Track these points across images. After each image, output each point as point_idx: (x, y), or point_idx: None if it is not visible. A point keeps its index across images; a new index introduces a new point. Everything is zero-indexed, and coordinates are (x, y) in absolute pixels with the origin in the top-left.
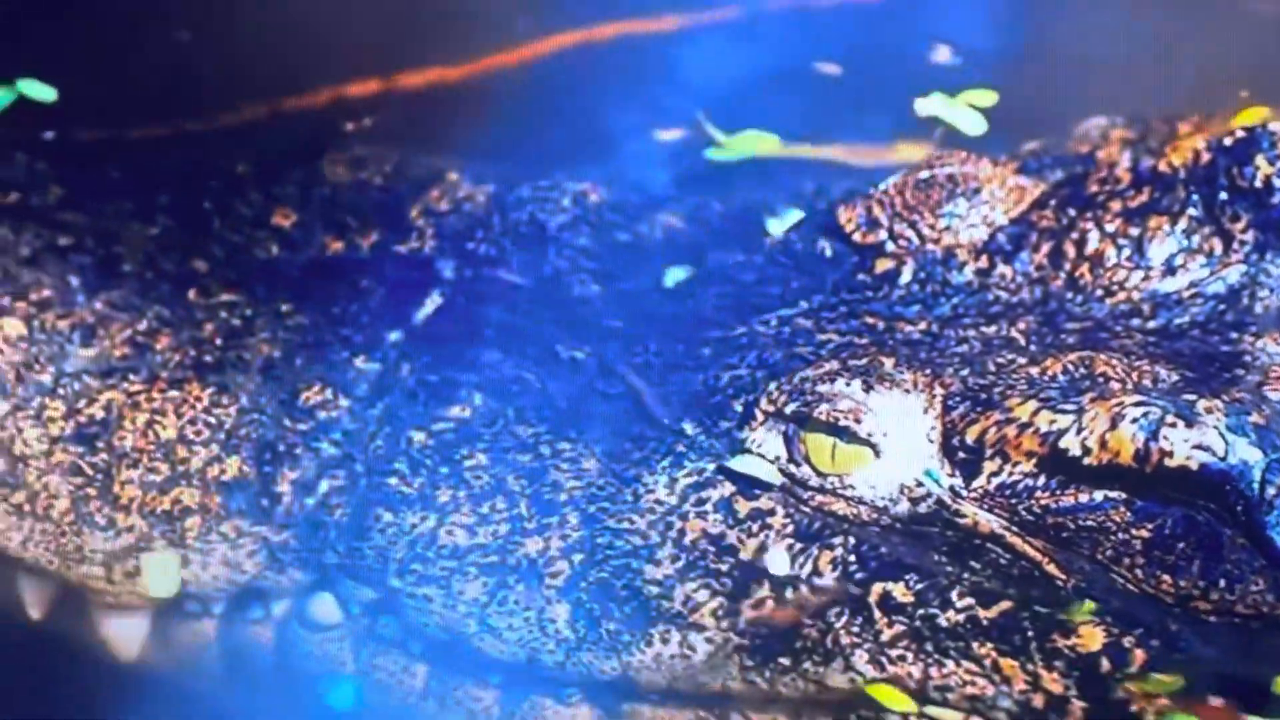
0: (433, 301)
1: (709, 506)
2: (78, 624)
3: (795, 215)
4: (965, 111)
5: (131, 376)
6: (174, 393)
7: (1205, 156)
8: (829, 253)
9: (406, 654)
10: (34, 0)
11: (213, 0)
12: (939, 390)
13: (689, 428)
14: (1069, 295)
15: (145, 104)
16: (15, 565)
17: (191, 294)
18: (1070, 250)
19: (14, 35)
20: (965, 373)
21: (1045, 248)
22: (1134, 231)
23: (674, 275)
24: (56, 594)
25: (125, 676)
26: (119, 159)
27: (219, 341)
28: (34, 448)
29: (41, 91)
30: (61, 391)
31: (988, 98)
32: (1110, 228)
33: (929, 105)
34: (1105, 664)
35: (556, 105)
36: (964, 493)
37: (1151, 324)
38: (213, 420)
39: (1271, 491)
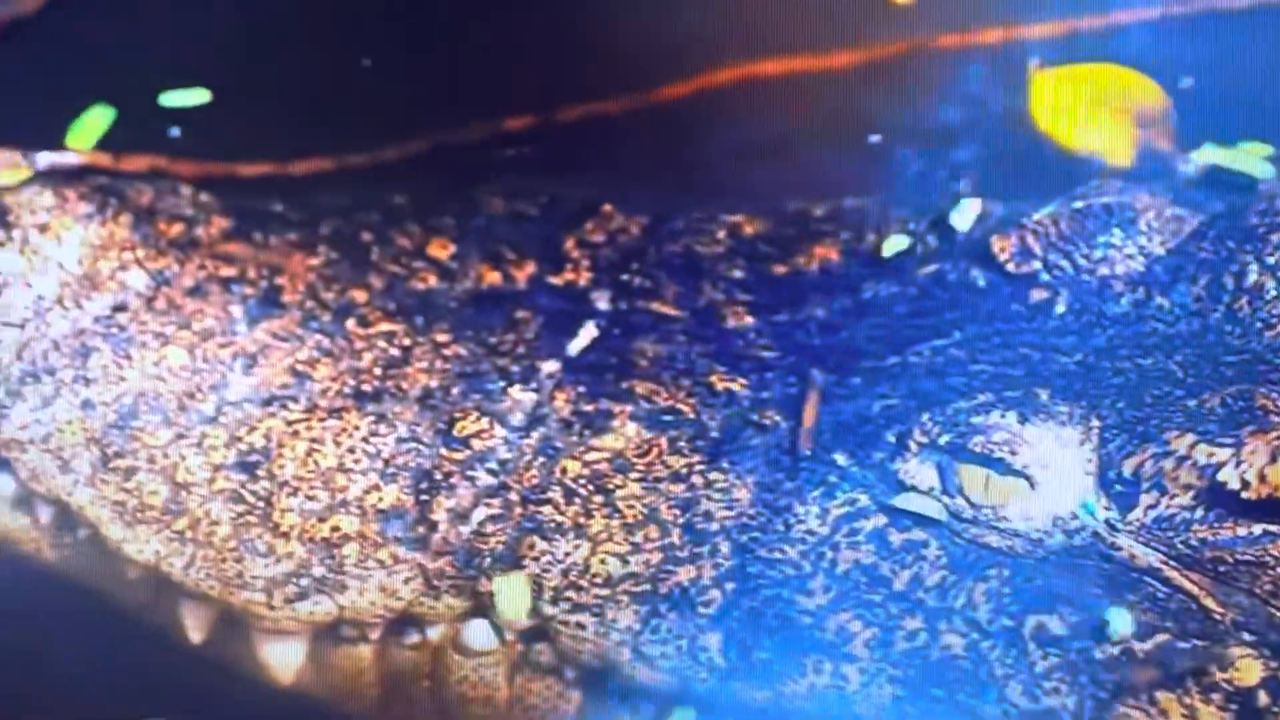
0: (588, 332)
1: (861, 537)
2: (237, 648)
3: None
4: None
5: (291, 405)
6: (333, 421)
7: None
8: (982, 283)
9: (560, 681)
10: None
11: (362, 40)
12: (1095, 422)
13: (841, 458)
14: (1227, 328)
15: (309, 138)
16: (177, 590)
17: (350, 324)
18: (1229, 282)
19: (178, 60)
20: (1121, 405)
21: (1203, 279)
22: None
23: (829, 306)
24: (217, 618)
25: (282, 701)
26: (281, 191)
27: (377, 371)
28: (196, 475)
29: (184, 98)
30: (223, 420)
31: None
32: (1270, 260)
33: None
34: (1264, 698)
35: (716, 139)
36: (1120, 525)
37: None
38: (371, 449)
39: None
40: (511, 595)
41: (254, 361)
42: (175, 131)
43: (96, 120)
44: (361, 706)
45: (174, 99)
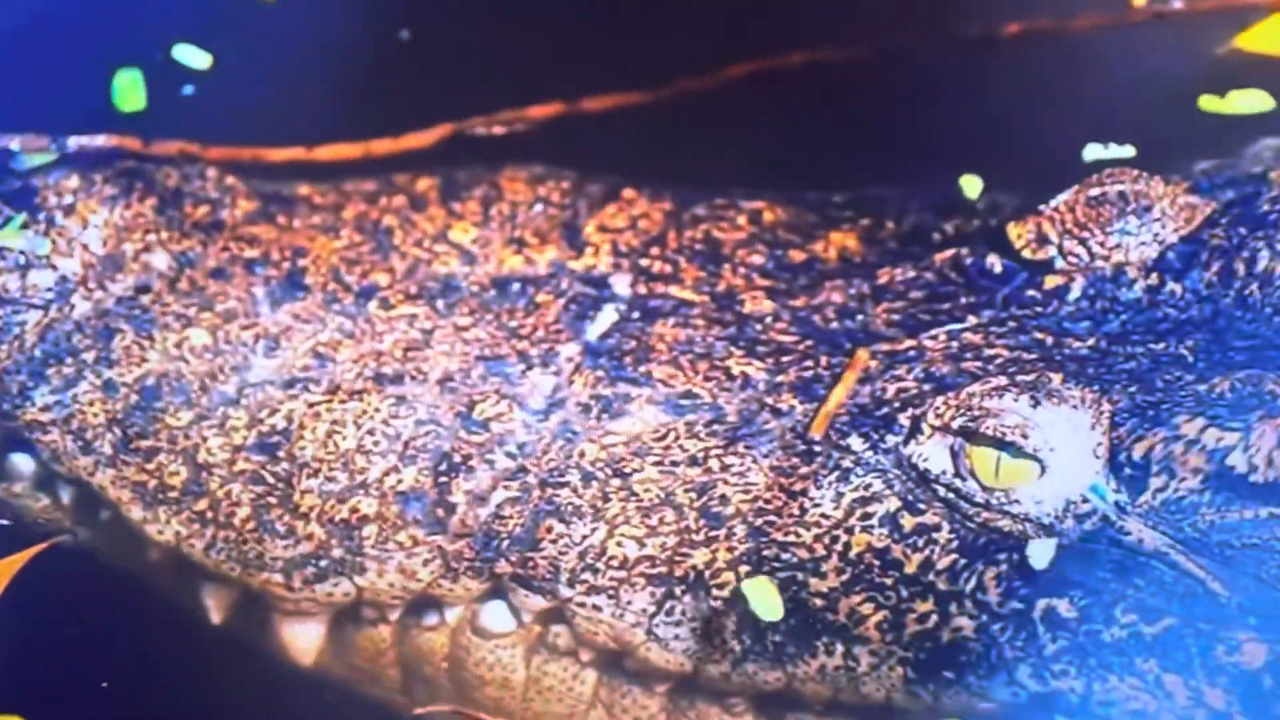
0: (607, 317)
1: (874, 521)
2: (257, 629)
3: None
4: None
5: (312, 387)
6: (353, 404)
7: None
8: (998, 269)
9: (576, 662)
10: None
11: (391, 25)
12: (1106, 406)
13: (856, 442)
14: (1238, 313)
15: (335, 124)
16: (198, 571)
17: (372, 306)
18: (1240, 268)
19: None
20: (1133, 389)
21: (1215, 266)
22: None
23: (846, 291)
24: (237, 599)
25: (302, 681)
26: (306, 175)
27: (398, 354)
28: (217, 456)
29: (196, 57)
30: (244, 401)
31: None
32: None
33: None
34: (1268, 681)
35: (743, 129)
36: (1129, 509)
37: None
38: (391, 431)
39: None
40: (762, 597)
41: (276, 343)
42: (189, 89)
43: (129, 82)
44: (381, 687)
45: (185, 55)
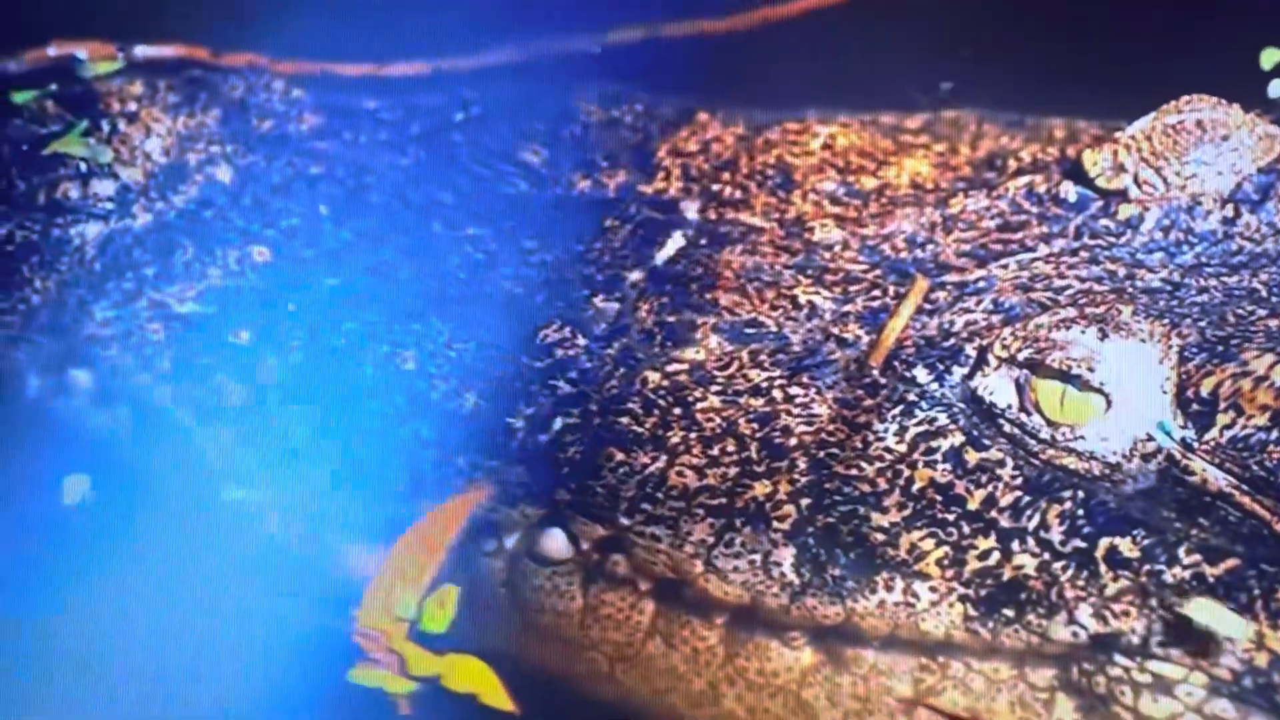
0: (674, 242)
1: (938, 456)
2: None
3: None
4: None
5: (374, 307)
6: (416, 325)
7: None
8: (1073, 197)
9: (634, 591)
10: None
11: None
12: (1176, 340)
13: (921, 374)
14: None
15: (404, 42)
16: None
17: (437, 226)
18: None
19: None
20: (1204, 323)
21: None
22: None
23: (917, 220)
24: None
25: None
26: (375, 90)
27: (462, 275)
28: (275, 377)
29: None
30: (305, 320)
31: None
32: None
33: None
34: None
35: (821, 59)
36: (1195, 445)
37: None
38: (452, 354)
39: None
40: (1220, 620)
41: (338, 262)
42: None
43: None
44: None
45: None
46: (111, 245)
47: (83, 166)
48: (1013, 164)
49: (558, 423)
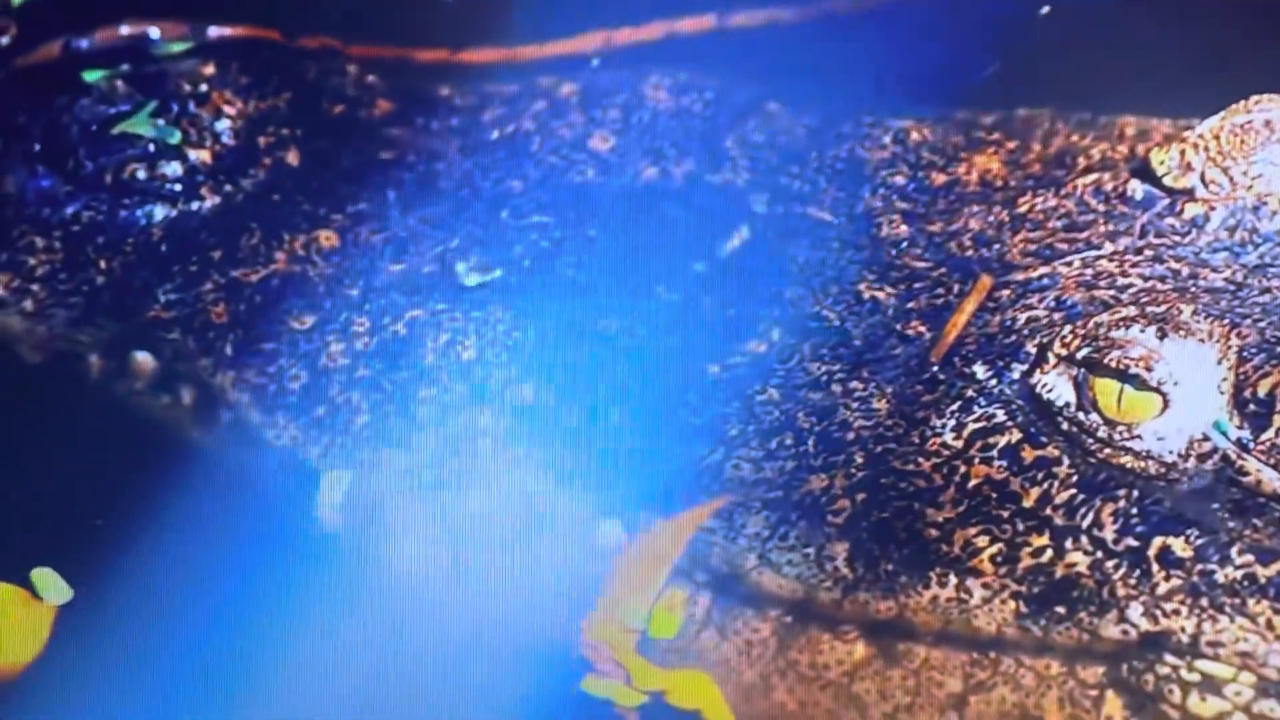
0: (740, 235)
1: (994, 453)
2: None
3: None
4: None
5: (437, 295)
6: (477, 313)
7: None
8: (1139, 195)
9: (691, 583)
10: None
11: None
12: (1235, 341)
13: (980, 371)
14: None
15: (480, 28)
16: (313, 476)
17: (504, 214)
18: None
19: None
20: (1264, 324)
21: None
22: None
23: (984, 218)
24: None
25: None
26: (447, 78)
27: (526, 263)
28: (338, 362)
29: None
30: (368, 307)
31: None
32: None
33: None
34: None
35: (892, 50)
36: (1251, 446)
37: None
38: (512, 343)
39: None
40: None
41: (404, 249)
42: None
43: None
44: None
45: None
46: (178, 227)
47: (151, 147)
48: (1081, 161)
49: (614, 413)
